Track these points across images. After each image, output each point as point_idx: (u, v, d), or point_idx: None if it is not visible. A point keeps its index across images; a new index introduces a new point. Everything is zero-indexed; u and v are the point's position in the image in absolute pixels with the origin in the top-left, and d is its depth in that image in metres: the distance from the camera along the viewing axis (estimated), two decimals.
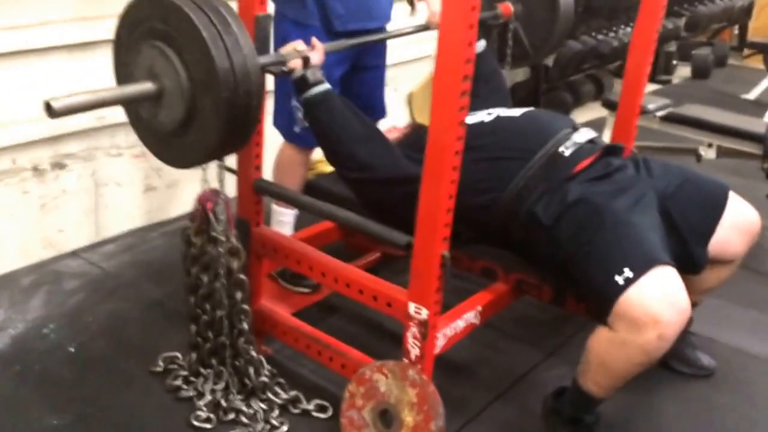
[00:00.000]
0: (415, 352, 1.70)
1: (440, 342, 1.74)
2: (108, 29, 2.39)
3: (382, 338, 2.18)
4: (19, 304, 2.29)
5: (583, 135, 1.84)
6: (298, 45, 1.81)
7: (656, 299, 1.53)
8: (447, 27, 1.43)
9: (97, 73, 2.52)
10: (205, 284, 1.86)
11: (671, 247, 1.69)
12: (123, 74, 1.61)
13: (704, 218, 1.79)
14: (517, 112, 1.92)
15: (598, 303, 1.63)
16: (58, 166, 2.53)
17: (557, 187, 1.73)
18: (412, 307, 1.67)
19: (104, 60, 2.48)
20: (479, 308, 1.87)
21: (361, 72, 2.25)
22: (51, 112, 1.36)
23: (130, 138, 2.68)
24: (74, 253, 2.61)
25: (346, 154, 1.83)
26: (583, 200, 1.69)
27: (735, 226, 1.83)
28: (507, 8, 2.42)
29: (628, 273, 1.55)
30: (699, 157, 3.02)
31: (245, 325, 1.86)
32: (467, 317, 1.83)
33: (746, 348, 2.26)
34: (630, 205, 1.69)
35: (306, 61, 1.79)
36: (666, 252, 1.62)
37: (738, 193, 1.86)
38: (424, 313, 1.66)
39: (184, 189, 2.93)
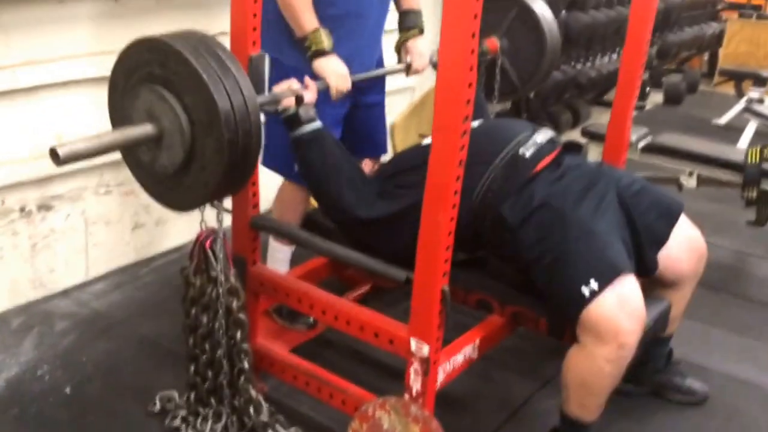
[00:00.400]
0: (416, 387, 1.71)
1: (440, 377, 1.76)
2: (94, 68, 2.45)
3: (380, 372, 2.19)
4: (12, 347, 2.26)
5: (543, 135, 1.90)
6: (293, 84, 1.84)
7: (616, 310, 1.60)
8: (446, 68, 1.46)
9: (83, 113, 2.54)
10: (205, 324, 1.85)
11: (628, 245, 1.74)
12: (120, 117, 1.62)
13: (659, 223, 1.84)
14: (475, 123, 1.96)
15: (563, 312, 1.69)
16: (45, 207, 2.51)
17: (521, 188, 1.78)
18: (413, 344, 1.69)
19: (88, 100, 2.51)
20: (477, 342, 1.89)
21: (361, 110, 2.27)
22: (56, 159, 1.37)
23: (119, 176, 2.68)
24: (64, 293, 2.59)
25: (334, 193, 1.88)
26: (547, 204, 1.74)
27: (683, 242, 1.89)
28: (493, 44, 2.47)
29: (593, 284, 1.61)
30: (680, 186, 3.09)
31: (245, 364, 1.85)
32: (466, 351, 1.86)
33: (737, 374, 2.30)
34: (593, 209, 1.73)
35: (299, 99, 1.83)
36: (627, 258, 1.68)
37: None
38: (426, 350, 1.68)
39: (173, 225, 2.93)
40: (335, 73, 1.98)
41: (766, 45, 5.82)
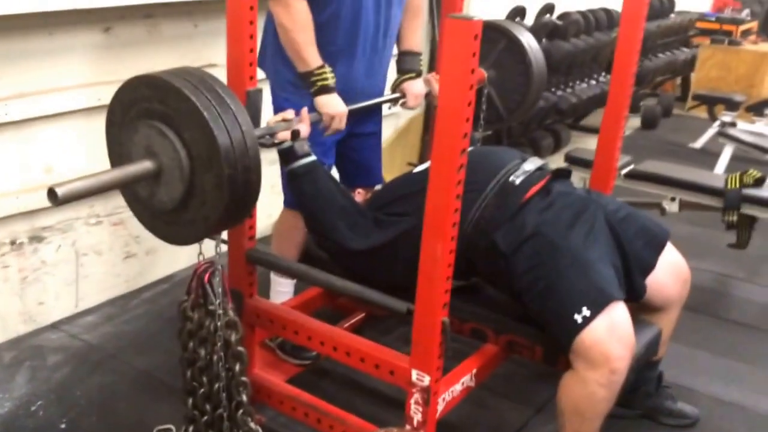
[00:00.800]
0: (417, 418, 1.73)
1: (440, 407, 1.77)
2: (85, 99, 2.46)
3: (377, 401, 2.20)
4: (3, 382, 2.23)
5: (532, 163, 1.95)
6: (287, 115, 1.87)
7: (606, 336, 1.64)
8: (446, 101, 1.49)
9: (73, 145, 2.54)
10: (202, 357, 1.85)
11: (619, 270, 1.79)
12: (117, 153, 1.62)
13: (647, 251, 1.89)
14: None
15: (559, 337, 1.72)
16: (36, 239, 2.50)
17: (513, 216, 1.82)
18: (414, 374, 1.71)
19: (79, 131, 2.51)
20: (474, 371, 1.91)
21: (357, 138, 2.30)
22: (54, 199, 1.36)
23: (109, 206, 2.68)
24: (54, 326, 2.57)
25: (328, 225, 1.91)
26: (540, 233, 1.78)
27: (669, 269, 1.94)
28: (480, 74, 2.52)
29: (586, 312, 1.66)
30: (663, 211, 3.16)
31: (244, 397, 1.85)
32: (464, 381, 1.88)
33: (724, 397, 2.35)
34: (584, 236, 1.78)
35: (295, 133, 1.85)
36: (618, 284, 1.73)
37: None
38: (426, 380, 1.70)
39: (163, 254, 2.93)
40: (336, 112, 2.01)
41: (737, 70, 5.98)
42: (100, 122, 2.53)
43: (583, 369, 1.68)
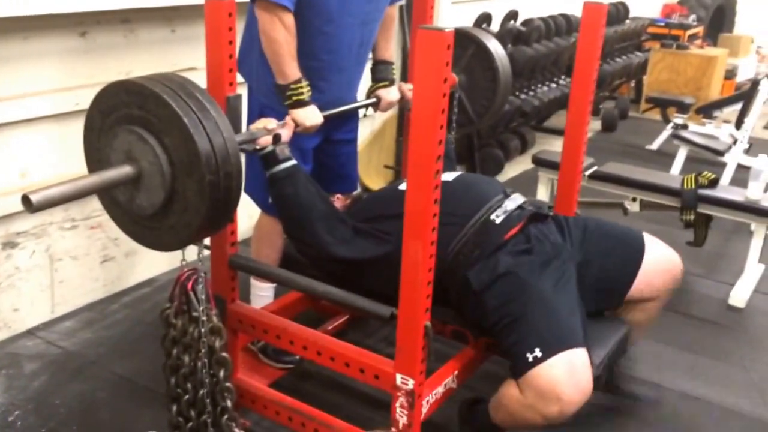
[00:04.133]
0: (403, 421, 1.77)
1: (425, 409, 1.82)
2: (61, 104, 2.43)
3: (361, 402, 2.24)
4: None
5: (513, 201, 2.02)
6: (269, 123, 1.90)
7: (562, 379, 1.70)
8: (420, 113, 1.52)
9: (48, 149, 2.53)
10: (187, 364, 1.85)
11: (589, 303, 1.88)
12: (96, 158, 1.61)
13: (622, 276, 2.00)
14: (450, 176, 2.05)
15: (512, 367, 1.80)
16: (10, 245, 2.47)
17: (489, 255, 1.89)
18: (398, 378, 1.75)
19: (53, 136, 2.49)
20: (456, 373, 1.97)
21: (333, 145, 2.33)
22: (29, 206, 1.33)
23: (85, 209, 2.66)
24: (30, 333, 2.54)
25: (308, 230, 1.94)
26: (512, 273, 1.85)
27: (655, 266, 2.03)
28: (452, 78, 2.57)
29: (537, 353, 1.72)
30: (625, 210, 3.29)
31: (229, 403, 1.85)
32: (447, 382, 1.93)
33: (690, 391, 2.43)
34: (554, 282, 1.85)
35: (276, 138, 1.88)
36: (581, 333, 1.79)
37: (661, 240, 2.07)
38: (411, 383, 1.74)
39: (143, 258, 2.92)
40: (313, 123, 2.04)
41: (685, 73, 6.19)
42: (76, 127, 2.54)
43: (532, 399, 1.73)
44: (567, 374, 1.70)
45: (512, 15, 4.62)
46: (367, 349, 1.86)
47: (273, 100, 2.09)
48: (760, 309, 3.05)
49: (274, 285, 2.39)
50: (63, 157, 2.55)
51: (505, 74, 2.62)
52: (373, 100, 2.37)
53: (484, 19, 4.35)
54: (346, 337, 1.96)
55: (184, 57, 2.80)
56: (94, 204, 2.64)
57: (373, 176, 3.92)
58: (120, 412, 2.16)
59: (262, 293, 2.37)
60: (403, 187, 2.09)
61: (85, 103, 2.30)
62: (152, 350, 2.45)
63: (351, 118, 2.38)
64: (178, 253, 1.66)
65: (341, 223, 1.97)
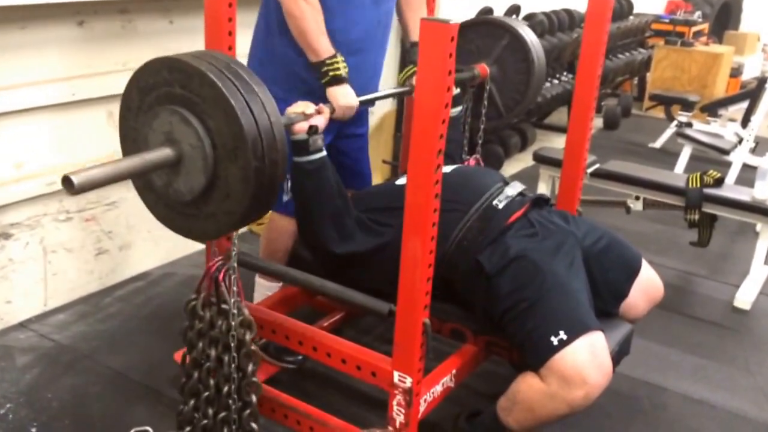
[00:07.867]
0: (400, 419, 1.75)
1: (422, 407, 1.79)
2: (58, 93, 2.40)
3: (357, 400, 2.21)
4: None
5: (514, 188, 2.00)
6: (308, 108, 1.82)
7: (587, 362, 1.67)
8: (423, 106, 1.49)
9: (45, 140, 2.49)
10: (213, 359, 1.78)
11: (591, 303, 1.83)
12: (133, 138, 1.52)
13: (620, 281, 1.98)
14: (447, 168, 2.01)
15: (532, 355, 1.75)
16: (3, 236, 2.44)
17: (496, 238, 1.85)
18: (396, 376, 1.72)
19: (50, 126, 2.45)
20: (454, 371, 1.94)
21: (345, 139, 2.26)
22: (71, 187, 1.23)
23: (80, 201, 2.63)
24: (22, 325, 2.51)
25: (317, 224, 1.91)
26: (524, 257, 1.81)
27: (644, 291, 2.02)
28: (484, 69, 2.48)
29: (562, 335, 1.68)
30: (628, 209, 3.24)
31: (254, 398, 1.78)
32: (444, 381, 1.90)
33: (693, 394, 2.39)
34: (567, 266, 1.83)
35: (312, 128, 1.81)
36: (595, 317, 1.76)
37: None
38: (408, 382, 1.71)
39: (138, 251, 2.88)
40: (349, 104, 1.97)
41: (690, 70, 6.14)
42: (73, 117, 2.53)
43: (556, 386, 1.68)
44: (591, 356, 1.67)
45: (514, 9, 4.57)
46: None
47: (285, 89, 2.01)
48: (766, 311, 3.01)
49: (280, 284, 2.34)
50: (60, 148, 2.51)
51: (540, 67, 2.52)
52: (407, 88, 2.27)
53: (486, 13, 4.31)
54: (341, 334, 1.92)
55: (183, 48, 2.74)
56: (89, 196, 2.61)
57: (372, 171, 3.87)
58: (113, 406, 2.13)
59: (269, 292, 2.32)
60: (401, 182, 2.06)
61: (82, 93, 2.28)
62: (146, 344, 2.44)
63: (363, 111, 2.30)
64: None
65: (349, 219, 1.94)
